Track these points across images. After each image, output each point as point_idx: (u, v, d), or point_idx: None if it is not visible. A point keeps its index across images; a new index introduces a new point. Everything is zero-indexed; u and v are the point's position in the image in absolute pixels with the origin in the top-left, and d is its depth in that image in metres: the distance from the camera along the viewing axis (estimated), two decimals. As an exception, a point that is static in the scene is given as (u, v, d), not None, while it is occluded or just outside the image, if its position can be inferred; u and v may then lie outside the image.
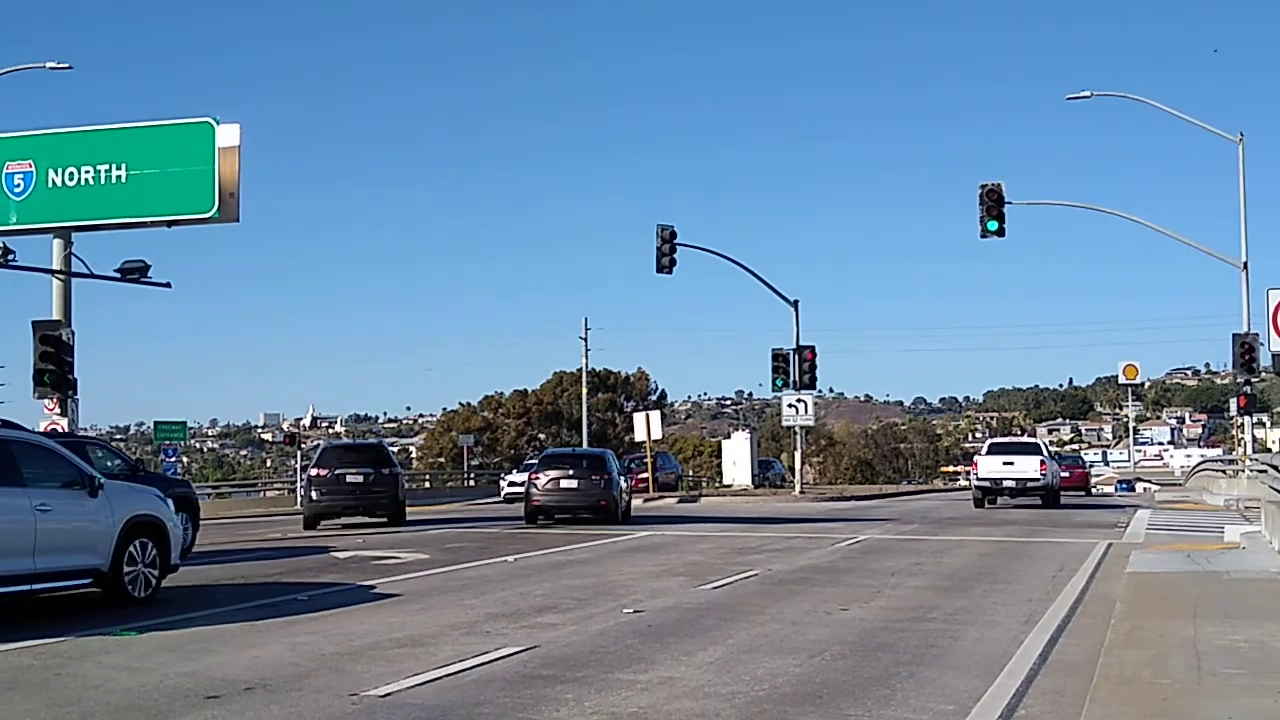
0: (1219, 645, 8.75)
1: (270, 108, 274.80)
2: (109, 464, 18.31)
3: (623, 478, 28.65)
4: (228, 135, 22.62)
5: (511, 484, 46.28)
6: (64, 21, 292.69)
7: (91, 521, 12.46)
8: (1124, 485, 60.98)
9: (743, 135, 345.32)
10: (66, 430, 22.41)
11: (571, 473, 26.81)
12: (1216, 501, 32.99)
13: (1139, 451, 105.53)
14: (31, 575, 11.68)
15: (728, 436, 67.09)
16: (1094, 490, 50.33)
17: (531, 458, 63.39)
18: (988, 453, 34.33)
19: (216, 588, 14.75)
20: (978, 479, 33.48)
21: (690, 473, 64.71)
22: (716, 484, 53.87)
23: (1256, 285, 32.00)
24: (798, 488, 46.03)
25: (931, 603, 12.50)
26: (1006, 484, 32.43)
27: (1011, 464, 32.50)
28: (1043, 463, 32.60)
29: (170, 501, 14.37)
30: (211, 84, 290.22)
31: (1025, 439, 44.42)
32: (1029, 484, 32.24)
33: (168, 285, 23.67)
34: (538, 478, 26.86)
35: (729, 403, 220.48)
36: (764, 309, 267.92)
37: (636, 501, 41.62)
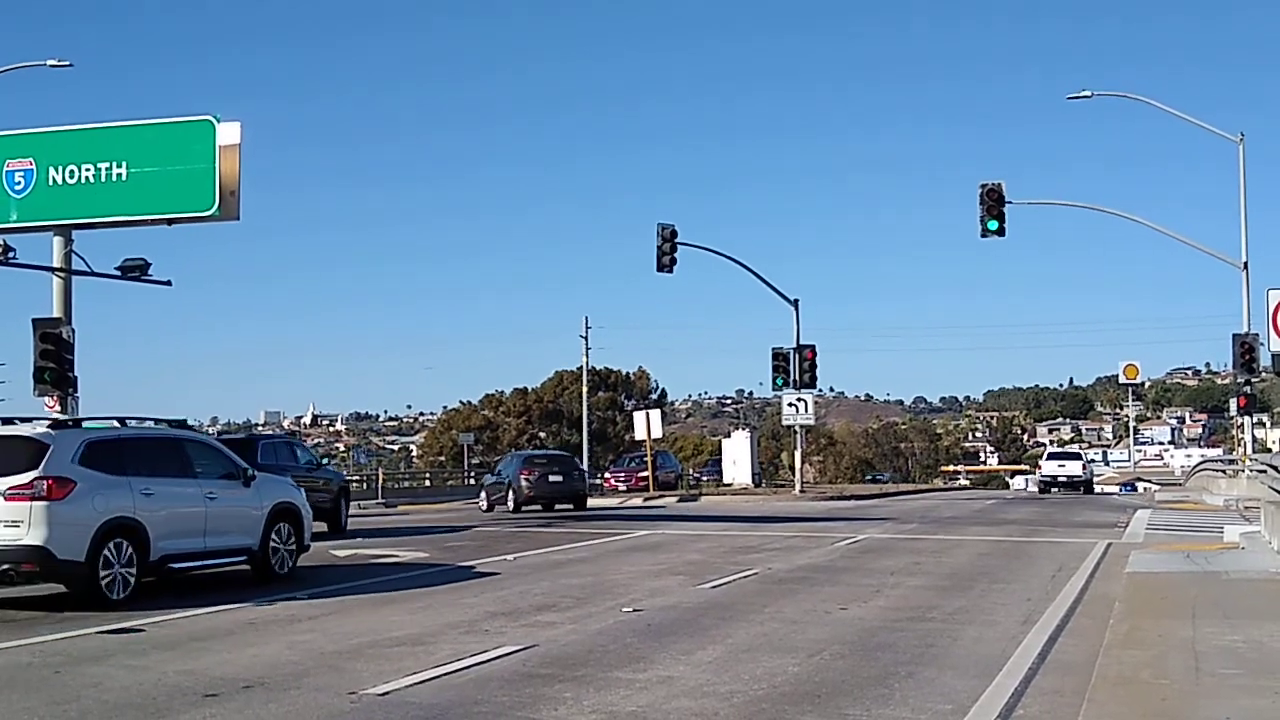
0: (1218, 646, 8.76)
1: (271, 106, 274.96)
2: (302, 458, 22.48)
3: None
4: (228, 133, 22.59)
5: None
6: (65, 19, 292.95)
7: (247, 507, 14.86)
8: (1127, 487, 61.26)
9: (743, 134, 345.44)
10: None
11: (557, 469, 34.82)
12: (1216, 501, 32.97)
13: (1139, 451, 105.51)
14: (203, 553, 14.17)
15: (728, 435, 67.05)
16: (1096, 490, 54.55)
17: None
18: (1048, 459, 52.83)
19: (325, 568, 16.95)
20: (1041, 476, 50.73)
21: (690, 471, 64.65)
22: (716, 483, 53.78)
23: (1257, 285, 32.03)
24: (798, 487, 46.03)
25: (930, 602, 12.51)
26: (1060, 479, 48.68)
27: (1063, 466, 50.08)
28: (1083, 466, 51.02)
29: (303, 491, 16.93)
30: (212, 82, 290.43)
31: (1071, 449, 67.87)
32: (1074, 479, 48.65)
33: (168, 283, 23.65)
34: (528, 474, 33.81)
35: (729, 402, 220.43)
36: (764, 308, 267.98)
37: (636, 500, 41.82)
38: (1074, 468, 49.65)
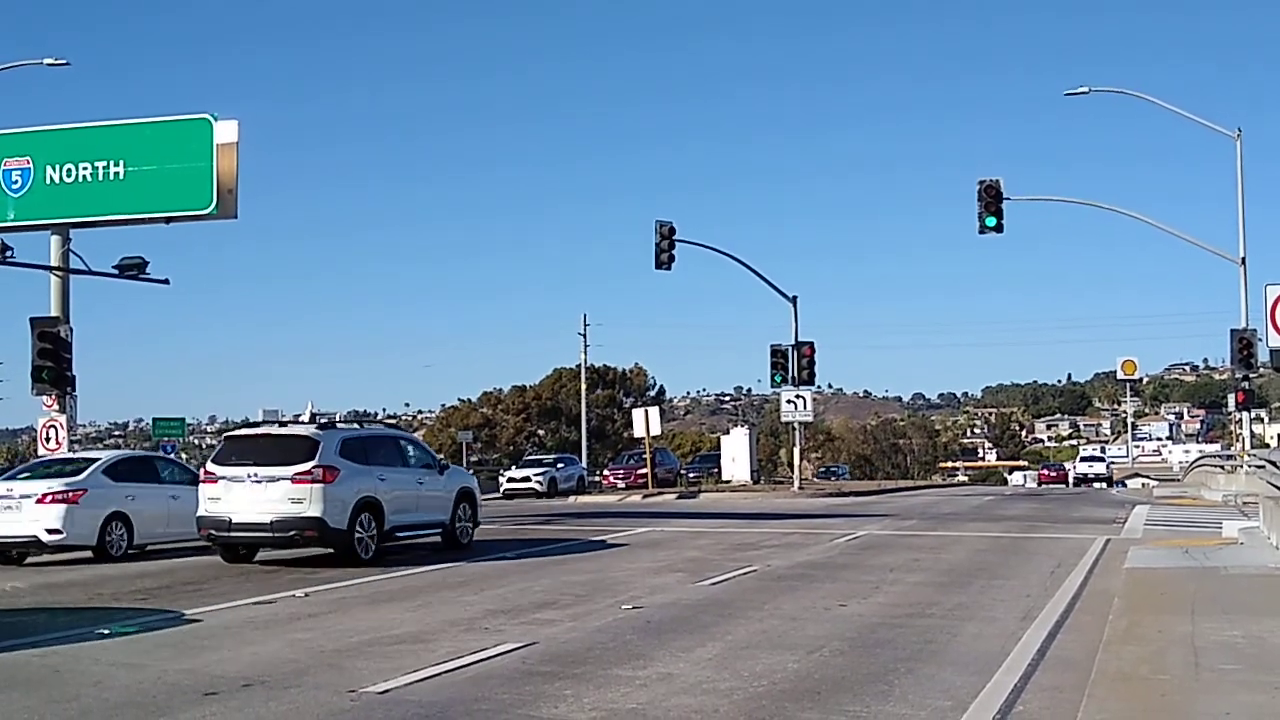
0: (1217, 641, 8.76)
1: (269, 105, 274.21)
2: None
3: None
4: (226, 132, 22.59)
5: (511, 480, 46.42)
6: (62, 18, 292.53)
7: (441, 490, 19.01)
8: (1118, 485, 61.58)
9: (741, 131, 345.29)
10: (64, 427, 22.43)
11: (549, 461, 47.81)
12: (1215, 497, 33.00)
13: (1138, 447, 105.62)
14: (416, 525, 18.33)
15: (727, 432, 67.01)
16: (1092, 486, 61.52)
17: (531, 454, 63.50)
18: (1080, 460, 76.49)
19: (484, 541, 20.13)
20: (1076, 473, 70.33)
21: (680, 468, 64.62)
22: (708, 478, 53.74)
23: (1254, 281, 32.01)
24: (796, 483, 46.04)
25: (930, 599, 12.51)
26: (1089, 475, 66.70)
27: (1092, 465, 70.44)
28: (1106, 465, 71.02)
29: (476, 478, 22.33)
30: (210, 82, 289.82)
31: (1098, 452, 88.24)
32: (1100, 475, 66.41)
33: (166, 282, 23.65)
34: (521, 470, 45.78)
35: (728, 398, 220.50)
36: (763, 305, 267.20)
37: (635, 497, 41.85)
38: (1100, 467, 69.67)
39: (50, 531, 17.66)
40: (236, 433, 18.95)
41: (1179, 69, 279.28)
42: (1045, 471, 76.46)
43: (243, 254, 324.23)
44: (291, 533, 16.33)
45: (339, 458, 16.80)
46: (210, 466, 17.27)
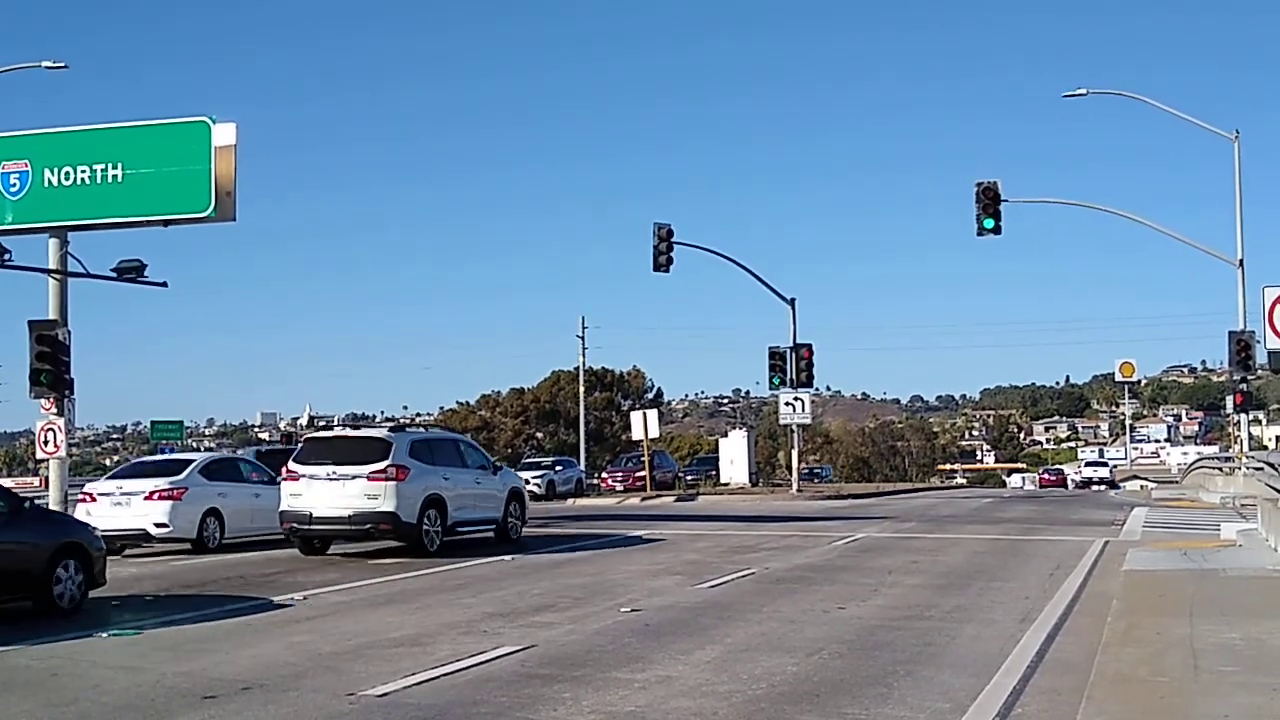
0: (1215, 643, 8.76)
1: (269, 106, 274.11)
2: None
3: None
4: (224, 134, 22.54)
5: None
6: (60, 21, 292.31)
7: (494, 490, 20.49)
8: (1115, 487, 61.75)
9: (739, 133, 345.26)
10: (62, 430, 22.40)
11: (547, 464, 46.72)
12: (1213, 499, 32.99)
13: (1136, 449, 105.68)
14: (473, 521, 19.74)
15: (725, 435, 66.98)
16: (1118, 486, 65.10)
17: (529, 457, 63.48)
18: (1085, 465, 79.80)
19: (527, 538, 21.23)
20: (1081, 477, 72.33)
21: (685, 468, 64.53)
22: (705, 481, 53.71)
23: (1252, 282, 31.96)
24: (795, 486, 46.03)
25: (928, 601, 12.51)
26: (1092, 480, 68.45)
27: (1096, 470, 72.82)
28: (1110, 469, 73.86)
29: (523, 479, 24.96)
30: (209, 83, 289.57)
31: (1101, 459, 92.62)
32: (1103, 479, 67.97)
33: (164, 284, 23.61)
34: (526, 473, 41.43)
35: (726, 401, 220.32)
36: (761, 307, 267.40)
37: (633, 500, 41.85)
38: (1103, 471, 72.30)
39: (158, 525, 19.49)
40: (316, 434, 21.29)
41: (1177, 71, 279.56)
42: (1045, 476, 76.78)
43: (241, 256, 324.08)
44: (367, 526, 17.83)
45: (409, 458, 18.26)
46: (292, 465, 18.71)
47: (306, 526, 18.26)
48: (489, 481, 20.48)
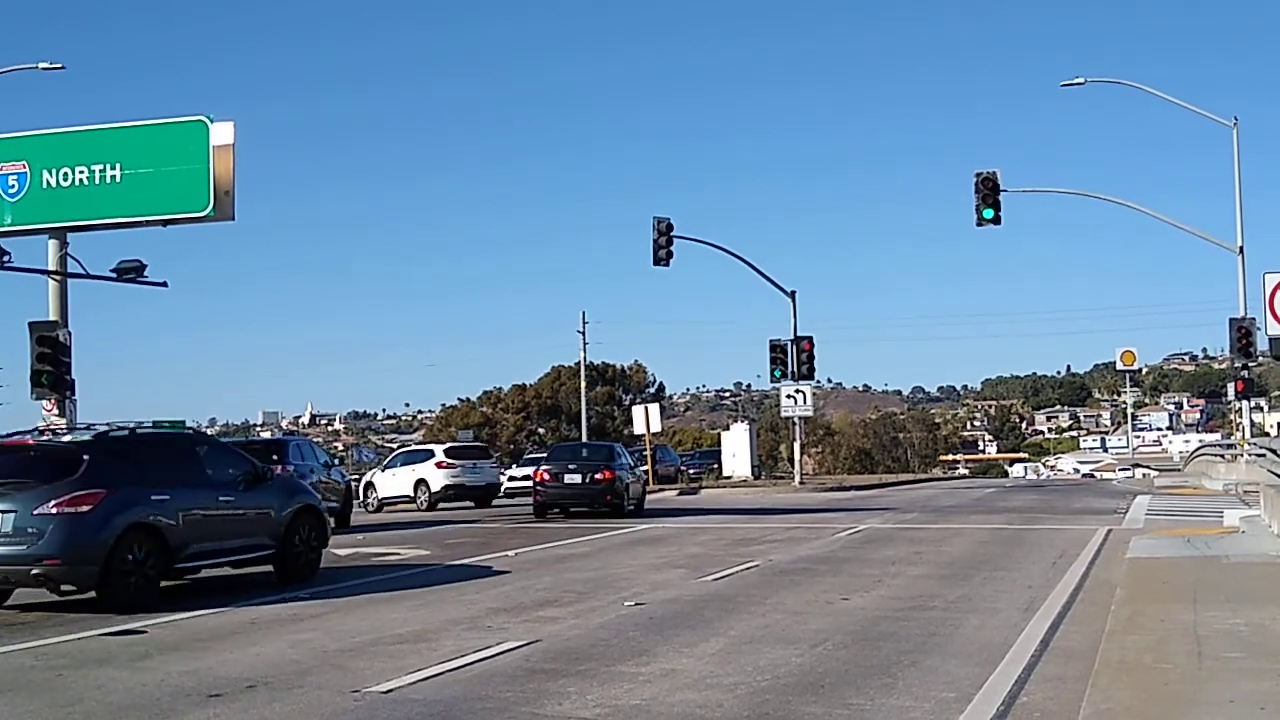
0: (1219, 629, 8.77)
1: (268, 105, 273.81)
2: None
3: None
4: (222, 133, 22.53)
5: (511, 479, 46.32)
6: (57, 22, 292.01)
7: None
8: (1125, 472, 62.20)
9: (738, 127, 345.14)
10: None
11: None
12: (1215, 486, 32.99)
13: (1138, 437, 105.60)
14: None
15: (727, 428, 66.98)
16: (1098, 476, 63.67)
17: (531, 452, 63.48)
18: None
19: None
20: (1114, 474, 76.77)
21: (687, 462, 64.57)
22: (706, 474, 53.70)
23: (1253, 269, 31.89)
24: (797, 478, 46.02)
25: (932, 591, 12.51)
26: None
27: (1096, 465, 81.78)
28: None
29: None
30: (205, 83, 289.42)
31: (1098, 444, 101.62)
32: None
33: (164, 284, 23.65)
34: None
35: (728, 394, 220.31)
36: (761, 300, 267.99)
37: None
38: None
39: None
40: None
41: (1175, 58, 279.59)
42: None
43: (241, 255, 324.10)
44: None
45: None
46: None
47: None
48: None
